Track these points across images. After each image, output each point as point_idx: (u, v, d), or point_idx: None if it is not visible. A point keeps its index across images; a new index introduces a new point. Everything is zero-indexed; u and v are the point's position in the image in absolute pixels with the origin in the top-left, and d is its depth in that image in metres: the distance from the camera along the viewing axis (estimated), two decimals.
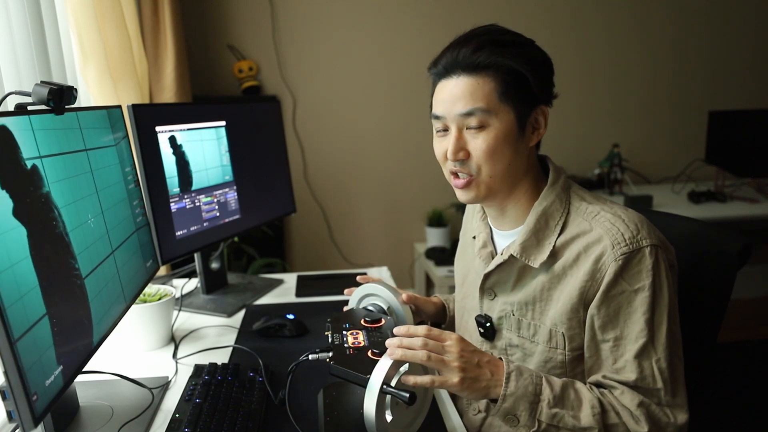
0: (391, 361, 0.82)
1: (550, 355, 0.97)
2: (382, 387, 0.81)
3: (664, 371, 0.88)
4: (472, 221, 1.17)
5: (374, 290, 1.11)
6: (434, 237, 3.11)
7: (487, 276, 1.03)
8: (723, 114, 3.02)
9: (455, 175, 0.98)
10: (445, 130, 0.98)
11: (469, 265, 1.14)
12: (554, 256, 0.95)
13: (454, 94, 0.94)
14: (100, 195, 1.07)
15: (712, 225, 1.13)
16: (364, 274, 1.61)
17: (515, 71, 0.92)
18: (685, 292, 1.11)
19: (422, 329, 0.87)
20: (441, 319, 1.25)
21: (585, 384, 0.93)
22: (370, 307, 1.10)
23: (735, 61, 3.29)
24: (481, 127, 0.93)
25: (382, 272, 1.76)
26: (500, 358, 0.90)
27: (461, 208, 3.08)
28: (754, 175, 3.01)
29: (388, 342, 0.86)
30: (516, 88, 0.92)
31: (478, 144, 0.94)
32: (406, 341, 0.85)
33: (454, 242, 3.10)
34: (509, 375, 0.87)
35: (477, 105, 0.92)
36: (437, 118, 0.98)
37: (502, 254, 1.01)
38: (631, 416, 0.88)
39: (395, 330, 0.89)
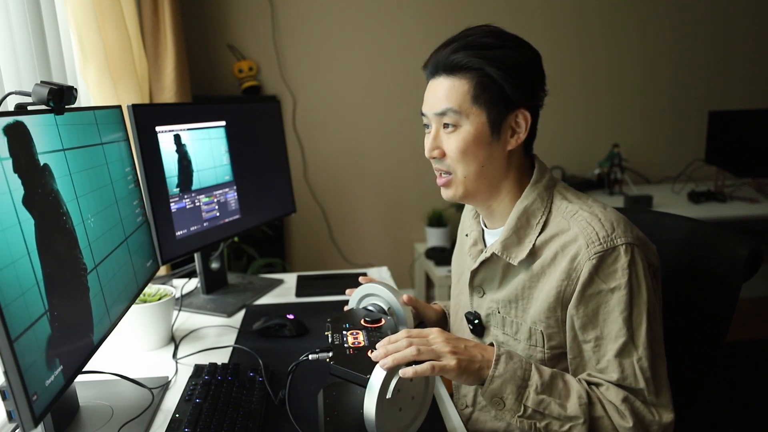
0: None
1: (530, 353, 0.98)
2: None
3: (645, 370, 0.88)
4: (467, 219, 1.18)
5: (374, 290, 1.11)
6: (434, 237, 3.11)
7: (474, 273, 1.05)
8: (723, 114, 3.02)
9: (439, 174, 1.02)
10: (428, 127, 1.02)
11: (464, 263, 1.15)
12: (534, 254, 0.97)
13: (435, 94, 0.98)
14: (114, 186, 1.14)
15: (716, 227, 1.11)
16: (365, 274, 1.61)
17: (489, 75, 0.93)
18: (686, 295, 1.10)
19: (402, 333, 0.87)
20: (442, 326, 1.25)
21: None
22: (370, 307, 1.10)
23: (735, 62, 3.29)
24: (455, 128, 0.97)
25: (382, 272, 1.76)
26: (491, 344, 0.91)
27: (461, 207, 3.08)
28: (754, 175, 3.02)
29: (374, 355, 0.84)
30: (490, 92, 0.94)
31: (450, 144, 0.98)
32: (392, 346, 0.84)
33: (454, 242, 3.12)
34: (499, 357, 0.87)
35: (449, 105, 0.96)
36: (423, 115, 1.02)
37: (485, 252, 1.03)
38: (616, 411, 0.88)
39: (377, 345, 0.87)
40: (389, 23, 3.04)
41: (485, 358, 0.87)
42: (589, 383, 0.92)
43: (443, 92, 0.96)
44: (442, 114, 0.97)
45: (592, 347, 0.91)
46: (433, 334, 0.88)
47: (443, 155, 0.99)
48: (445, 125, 0.98)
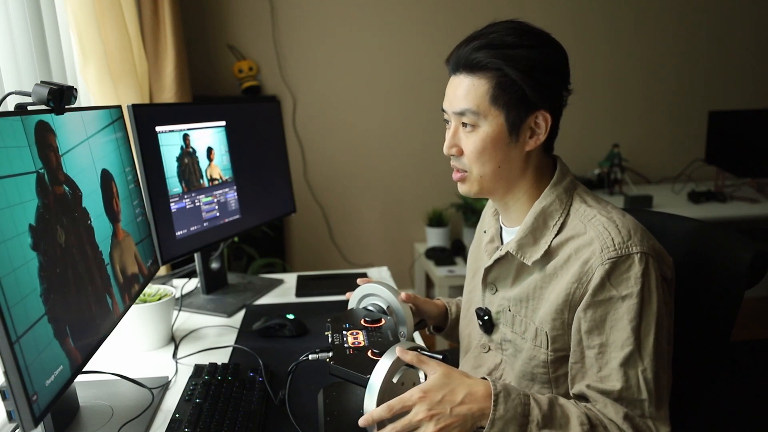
0: (392, 361, 0.83)
1: (535, 353, 0.98)
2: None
3: (649, 382, 0.87)
4: (486, 216, 1.18)
5: (374, 290, 1.11)
6: (434, 237, 3.11)
7: (488, 270, 1.05)
8: (723, 114, 3.02)
9: (455, 169, 1.02)
10: (449, 122, 1.02)
11: (480, 260, 1.15)
12: (548, 255, 0.96)
13: (455, 92, 0.97)
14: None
15: (722, 229, 1.10)
16: (364, 274, 1.61)
17: (508, 75, 0.92)
18: (688, 297, 1.09)
19: (383, 410, 0.81)
20: (442, 322, 1.25)
21: (569, 398, 0.92)
22: (370, 307, 1.10)
23: (735, 61, 3.29)
24: (473, 128, 0.96)
25: (382, 272, 1.76)
26: (484, 378, 0.88)
27: (461, 208, 3.09)
28: (754, 175, 3.01)
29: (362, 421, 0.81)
30: (509, 93, 0.93)
31: (469, 143, 0.97)
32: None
33: (454, 242, 3.13)
34: (497, 396, 0.84)
35: (467, 106, 0.95)
36: (444, 111, 1.01)
37: (500, 250, 1.02)
38: (618, 429, 0.87)
39: (361, 422, 0.82)
40: (389, 23, 3.04)
41: (476, 415, 0.83)
42: (585, 398, 0.91)
43: (463, 91, 0.95)
44: (461, 114, 0.96)
45: (595, 354, 0.90)
46: (417, 407, 0.81)
47: (461, 153, 0.99)
48: (464, 124, 0.97)
